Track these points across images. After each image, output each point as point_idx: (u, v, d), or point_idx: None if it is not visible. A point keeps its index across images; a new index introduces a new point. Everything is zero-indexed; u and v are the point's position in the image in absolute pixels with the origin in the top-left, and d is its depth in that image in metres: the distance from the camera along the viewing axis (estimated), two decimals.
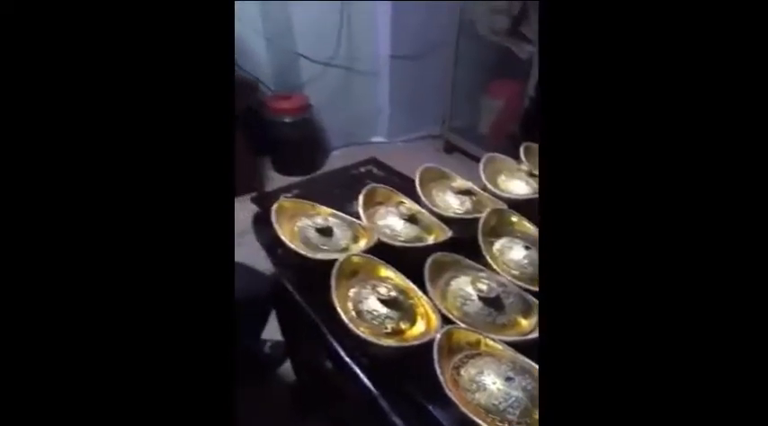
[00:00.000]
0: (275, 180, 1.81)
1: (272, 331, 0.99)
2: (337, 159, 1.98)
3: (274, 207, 0.65)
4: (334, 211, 0.67)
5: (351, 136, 2.05)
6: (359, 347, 0.56)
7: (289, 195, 1.11)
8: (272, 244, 1.14)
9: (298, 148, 1.79)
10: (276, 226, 0.63)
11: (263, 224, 1.19)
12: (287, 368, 1.12)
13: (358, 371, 0.56)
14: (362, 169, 1.15)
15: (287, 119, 1.67)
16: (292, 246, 0.60)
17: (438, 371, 0.45)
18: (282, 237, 0.62)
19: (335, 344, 0.61)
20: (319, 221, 0.61)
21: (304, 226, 0.64)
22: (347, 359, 0.59)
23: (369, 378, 0.55)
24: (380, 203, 0.70)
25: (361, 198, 0.67)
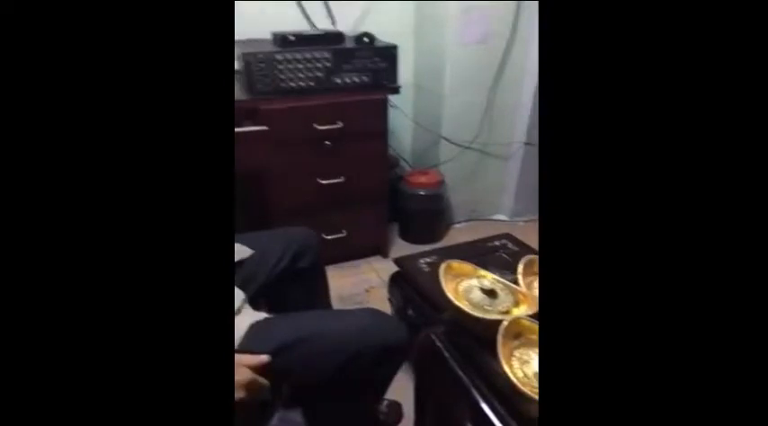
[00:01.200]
0: (399, 245, 1.94)
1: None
2: (459, 232, 2.06)
3: (443, 266, 0.73)
4: (496, 276, 0.73)
5: (474, 212, 2.14)
6: (517, 408, 0.59)
7: (429, 259, 1.20)
8: (405, 302, 1.21)
9: (426, 219, 1.93)
10: (443, 283, 0.71)
11: (399, 283, 1.28)
12: None
13: None
14: (497, 242, 1.22)
15: (421, 193, 1.83)
16: (459, 304, 0.67)
17: None
18: (448, 295, 0.69)
19: (485, 405, 0.64)
20: (486, 283, 0.68)
21: (469, 286, 0.71)
22: (496, 421, 0.61)
23: None
24: (535, 273, 0.75)
25: (520, 266, 0.73)
